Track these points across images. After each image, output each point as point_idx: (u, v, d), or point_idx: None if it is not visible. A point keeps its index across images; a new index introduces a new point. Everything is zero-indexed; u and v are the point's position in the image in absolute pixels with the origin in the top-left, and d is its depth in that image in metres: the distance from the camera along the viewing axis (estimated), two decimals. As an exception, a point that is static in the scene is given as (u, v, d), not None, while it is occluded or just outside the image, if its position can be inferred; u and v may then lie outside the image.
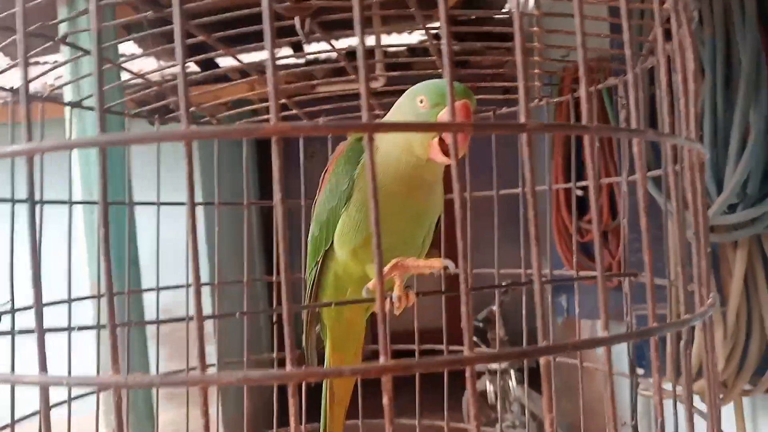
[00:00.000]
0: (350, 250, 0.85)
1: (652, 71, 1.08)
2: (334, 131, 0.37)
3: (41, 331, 0.39)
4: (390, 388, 0.35)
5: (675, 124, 0.66)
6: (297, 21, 0.80)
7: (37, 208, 1.00)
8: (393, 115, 0.83)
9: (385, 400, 0.35)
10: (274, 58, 0.37)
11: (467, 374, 0.37)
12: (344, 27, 1.04)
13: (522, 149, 0.40)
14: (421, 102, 0.77)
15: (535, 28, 0.89)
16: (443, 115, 0.75)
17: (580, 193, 2.62)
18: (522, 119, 0.39)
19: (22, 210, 0.98)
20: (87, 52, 0.88)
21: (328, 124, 0.37)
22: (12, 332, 0.75)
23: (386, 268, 0.84)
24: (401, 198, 0.80)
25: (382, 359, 0.35)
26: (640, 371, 1.59)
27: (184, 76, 0.37)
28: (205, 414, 0.36)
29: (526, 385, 1.32)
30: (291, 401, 0.35)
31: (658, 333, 0.44)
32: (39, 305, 0.39)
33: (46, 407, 0.39)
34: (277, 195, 0.36)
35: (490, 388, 3.29)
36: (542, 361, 0.39)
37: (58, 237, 1.07)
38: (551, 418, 0.38)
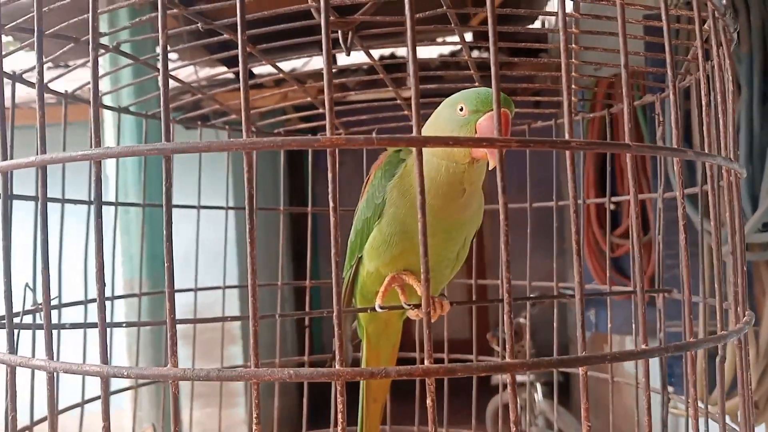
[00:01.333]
0: (378, 264, 0.87)
1: (687, 90, 1.08)
2: (386, 144, 0.39)
3: (103, 325, 0.42)
4: (433, 390, 0.36)
5: (711, 143, 0.66)
6: (340, 34, 0.82)
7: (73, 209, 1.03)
8: (432, 125, 0.83)
9: (429, 402, 0.36)
10: (330, 74, 0.39)
11: (509, 380, 0.38)
12: (382, 37, 1.06)
13: (568, 166, 0.41)
14: (461, 110, 0.77)
15: (573, 46, 0.90)
16: (482, 122, 0.75)
17: (612, 207, 2.61)
18: (566, 137, 0.41)
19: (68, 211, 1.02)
20: (135, 59, 0.92)
21: (380, 137, 0.38)
22: (60, 326, 0.79)
23: (386, 281, 0.85)
24: (437, 211, 0.79)
25: (426, 362, 0.37)
26: (669, 388, 1.57)
27: (245, 91, 0.39)
28: (258, 407, 0.38)
29: (555, 399, 1.32)
30: (339, 399, 0.37)
31: (694, 348, 0.45)
32: (102, 299, 0.41)
33: (106, 396, 0.41)
34: (331, 204, 0.38)
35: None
36: (581, 371, 0.40)
37: (83, 237, 1.09)
38: (588, 426, 0.39)
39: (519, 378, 3.26)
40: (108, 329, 0.98)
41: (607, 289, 1.08)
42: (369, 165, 0.95)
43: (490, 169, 0.77)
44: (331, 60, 0.39)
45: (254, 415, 0.38)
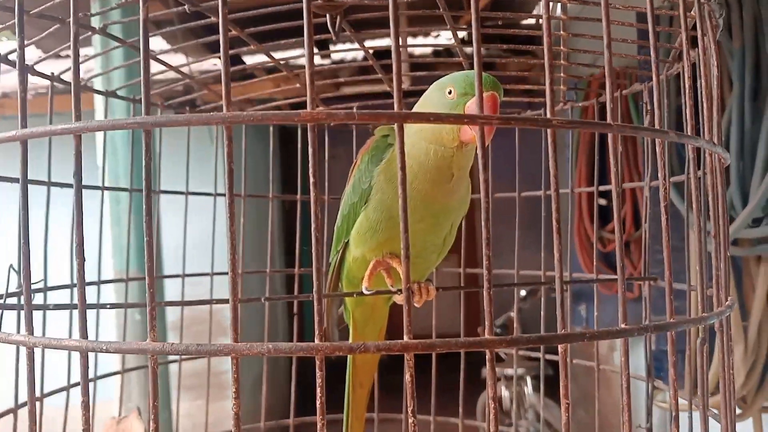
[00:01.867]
0: (365, 250, 0.87)
1: (679, 79, 1.09)
2: (367, 119, 0.38)
3: (83, 302, 0.42)
4: (413, 365, 0.36)
5: (700, 130, 0.67)
6: (328, 18, 0.82)
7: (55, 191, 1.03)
8: (421, 106, 0.83)
9: (407, 377, 0.36)
10: (312, 50, 0.39)
11: (487, 357, 0.38)
12: (372, 26, 1.06)
13: (549, 144, 0.41)
14: (450, 93, 0.77)
15: (561, 32, 0.90)
16: (471, 105, 0.75)
17: (603, 202, 2.62)
18: (548, 114, 0.41)
19: (54, 194, 1.02)
20: (122, 42, 0.91)
21: (360, 111, 0.38)
22: (44, 306, 0.79)
23: (371, 265, 0.85)
24: (424, 195, 0.79)
25: (405, 338, 0.37)
26: (658, 381, 1.58)
27: (227, 66, 0.39)
28: (236, 381, 0.38)
29: (542, 391, 1.32)
30: (318, 374, 0.37)
31: (675, 328, 0.45)
32: (81, 275, 0.41)
33: (85, 371, 0.41)
34: (311, 179, 0.38)
35: (505, 394, 3.29)
36: (560, 348, 0.40)
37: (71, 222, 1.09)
38: (567, 403, 0.39)
39: (509, 371, 3.28)
40: (94, 312, 0.98)
41: (595, 276, 1.09)
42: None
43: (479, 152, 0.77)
44: (312, 34, 0.39)
45: (233, 390, 0.38)
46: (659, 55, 1.27)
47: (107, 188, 1.09)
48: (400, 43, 0.49)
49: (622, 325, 0.43)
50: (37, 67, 0.90)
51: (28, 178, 0.45)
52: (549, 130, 0.41)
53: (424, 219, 0.82)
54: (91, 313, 1.05)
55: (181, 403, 1.45)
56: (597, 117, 1.29)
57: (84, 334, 0.41)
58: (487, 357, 0.38)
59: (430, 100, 0.81)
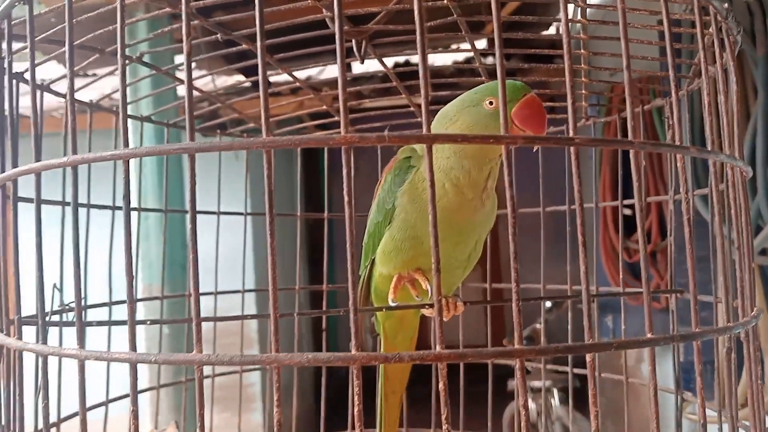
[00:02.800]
0: (390, 269, 0.88)
1: (701, 92, 1.09)
2: (397, 142, 0.41)
3: (132, 316, 0.44)
4: (445, 374, 0.38)
5: (722, 144, 0.68)
6: (354, 43, 0.84)
7: (104, 212, 1.07)
8: (452, 120, 0.82)
9: (441, 386, 0.38)
10: (345, 76, 0.42)
11: (517, 366, 0.40)
12: (396, 44, 1.09)
13: (572, 162, 0.43)
14: (491, 104, 0.78)
15: (582, 51, 0.92)
16: (520, 110, 0.76)
17: (628, 212, 2.61)
18: (570, 133, 0.42)
19: (93, 215, 1.05)
20: (157, 69, 0.95)
21: (391, 135, 0.41)
22: (87, 323, 0.82)
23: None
24: (451, 212, 0.80)
25: (437, 348, 0.39)
26: (687, 394, 1.57)
27: (265, 92, 0.42)
28: (278, 390, 0.40)
29: (571, 403, 1.32)
30: (355, 383, 0.39)
31: (701, 338, 0.46)
32: (131, 291, 0.44)
33: (134, 382, 0.43)
34: (345, 198, 0.40)
35: (532, 406, 3.26)
36: (588, 357, 0.42)
37: (100, 239, 1.12)
38: (596, 411, 0.40)
39: (536, 383, 3.25)
40: (125, 327, 1.02)
41: (622, 289, 1.09)
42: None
43: (506, 170, 0.79)
44: (345, 61, 0.42)
45: (275, 398, 0.40)
46: (680, 70, 1.28)
47: (143, 209, 1.13)
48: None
49: (649, 335, 0.44)
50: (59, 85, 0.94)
51: (71, 201, 0.48)
52: (572, 148, 0.43)
53: (449, 237, 0.82)
54: (122, 335, 1.09)
55: (213, 414, 1.48)
56: (620, 130, 1.30)
57: (133, 347, 0.43)
58: (516, 366, 0.40)
59: (464, 118, 0.81)
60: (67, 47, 0.47)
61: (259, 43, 0.43)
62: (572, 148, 0.43)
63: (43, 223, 0.95)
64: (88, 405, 1.04)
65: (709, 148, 0.52)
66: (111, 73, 0.88)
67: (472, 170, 0.80)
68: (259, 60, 0.42)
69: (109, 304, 1.02)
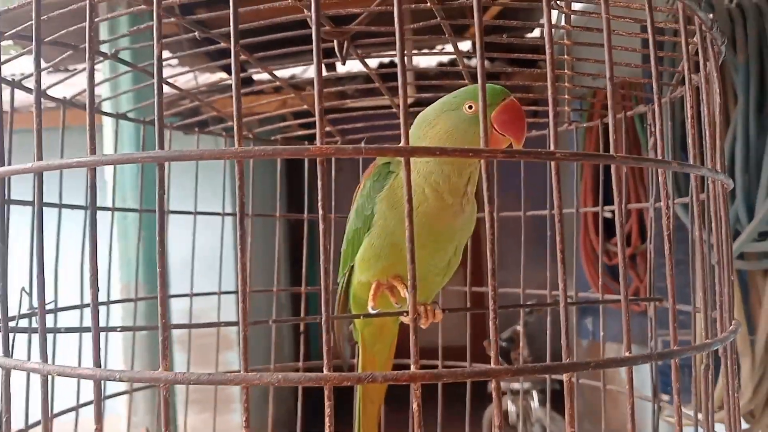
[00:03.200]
0: (369, 276, 0.87)
1: (682, 100, 1.10)
2: (375, 154, 0.39)
3: (96, 329, 0.42)
4: (419, 395, 0.37)
5: (704, 155, 0.67)
6: (336, 44, 0.83)
7: (62, 214, 1.04)
8: (430, 130, 0.80)
9: (414, 407, 0.37)
10: (321, 87, 0.40)
11: (493, 386, 0.39)
12: (377, 46, 1.07)
13: (553, 176, 0.42)
14: (470, 107, 0.76)
15: (565, 57, 0.91)
16: (500, 115, 0.75)
17: (608, 215, 2.62)
18: (551, 147, 0.42)
19: (66, 216, 1.03)
20: (133, 67, 0.93)
21: (368, 147, 0.39)
22: (55, 329, 0.79)
23: (373, 287, 0.85)
24: (429, 219, 0.79)
25: (412, 368, 0.37)
26: (665, 397, 1.58)
27: (238, 100, 0.40)
28: (247, 410, 0.39)
29: (548, 406, 1.32)
30: (327, 403, 0.37)
31: (679, 356, 0.45)
32: (95, 303, 0.42)
33: (98, 399, 0.42)
34: (320, 212, 0.38)
35: (512, 408, 3.27)
36: (565, 377, 0.41)
37: (77, 240, 1.10)
38: (572, 430, 0.40)
39: (515, 386, 3.27)
40: (103, 333, 1.00)
41: (600, 296, 1.09)
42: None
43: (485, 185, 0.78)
44: (322, 71, 0.40)
45: (243, 419, 0.39)
46: (662, 78, 1.28)
47: (117, 209, 1.10)
48: (407, 62, 0.50)
49: (626, 353, 0.43)
50: (48, 87, 0.92)
51: (36, 207, 0.46)
52: (553, 163, 0.42)
53: (427, 245, 0.81)
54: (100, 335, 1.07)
55: (188, 416, 1.46)
56: (601, 137, 1.30)
57: (97, 362, 0.42)
58: (492, 386, 0.39)
59: (443, 123, 0.79)
60: (34, 43, 0.45)
61: (233, 45, 0.42)
62: (553, 163, 0.42)
63: (16, 222, 0.93)
64: (61, 407, 1.02)
65: (691, 162, 0.52)
66: (84, 70, 0.86)
67: (451, 175, 0.78)
68: (232, 62, 0.41)
69: (80, 306, 1.00)
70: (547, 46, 0.43)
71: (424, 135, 0.79)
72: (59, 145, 0.98)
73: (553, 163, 0.42)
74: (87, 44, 0.42)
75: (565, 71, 0.94)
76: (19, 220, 0.88)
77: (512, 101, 0.76)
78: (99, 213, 1.12)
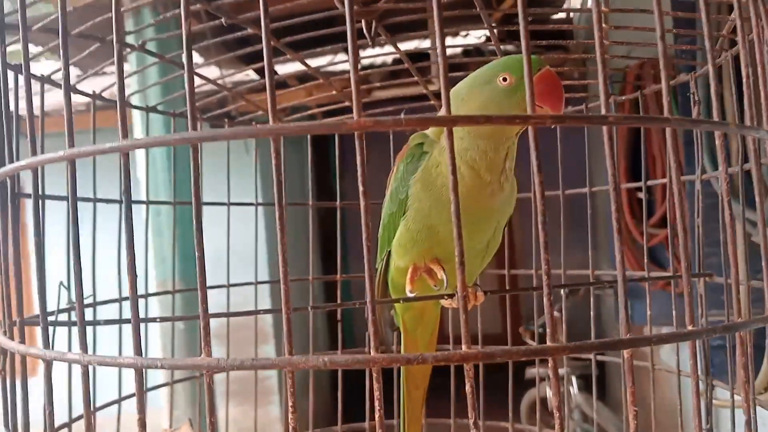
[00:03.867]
0: (407, 260, 0.85)
1: (719, 69, 1.05)
2: (415, 125, 0.38)
3: (136, 318, 0.41)
4: (472, 376, 0.35)
5: (753, 117, 0.64)
6: (363, 23, 0.81)
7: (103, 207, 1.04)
8: (468, 101, 0.77)
9: (468, 388, 0.35)
10: (357, 58, 0.38)
11: (550, 364, 0.37)
12: (405, 29, 1.05)
13: (605, 142, 0.40)
14: (504, 80, 0.73)
15: (603, 25, 0.87)
16: (538, 83, 0.71)
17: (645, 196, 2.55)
18: (602, 111, 0.39)
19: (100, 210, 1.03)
20: (161, 58, 0.92)
21: (408, 118, 0.37)
22: (95, 322, 0.80)
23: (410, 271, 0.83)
24: (467, 199, 0.73)
25: (464, 347, 0.36)
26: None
27: (271, 76, 0.39)
28: (293, 395, 0.37)
29: (595, 392, 1.29)
30: (375, 386, 0.36)
31: (743, 328, 0.43)
32: (134, 292, 0.41)
33: (140, 388, 0.41)
34: (360, 188, 0.37)
35: (550, 394, 3.24)
36: (625, 353, 0.39)
37: (115, 237, 1.11)
38: (635, 411, 0.37)
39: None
40: (142, 324, 1.00)
41: (647, 273, 1.06)
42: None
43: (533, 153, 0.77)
44: (356, 41, 0.39)
45: (290, 404, 0.37)
46: (697, 50, 1.23)
47: (152, 202, 1.10)
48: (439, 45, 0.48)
49: (690, 327, 0.41)
50: (78, 86, 0.92)
51: (70, 197, 0.45)
52: (605, 127, 0.40)
53: (466, 225, 0.78)
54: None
55: (229, 409, 1.46)
56: (632, 111, 1.25)
57: (138, 351, 0.41)
58: (549, 365, 0.37)
59: (477, 96, 0.76)
60: (60, 31, 0.44)
61: (263, 21, 0.40)
62: (605, 127, 0.40)
63: (53, 218, 0.94)
64: (103, 402, 1.02)
65: (747, 124, 0.49)
66: (111, 63, 0.85)
67: (488, 151, 0.75)
68: (263, 39, 0.39)
69: (119, 300, 1.00)
70: (593, 6, 0.40)
71: (456, 112, 0.76)
72: (92, 142, 0.98)
73: (605, 128, 0.40)
74: (114, 23, 0.41)
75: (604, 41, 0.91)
76: (56, 216, 0.89)
77: (549, 71, 0.73)
78: (133, 210, 1.13)
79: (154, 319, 0.76)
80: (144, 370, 0.41)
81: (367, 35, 0.79)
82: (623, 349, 0.39)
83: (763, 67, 0.55)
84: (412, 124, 0.37)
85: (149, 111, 1.09)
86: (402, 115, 0.37)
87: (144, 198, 1.18)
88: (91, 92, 0.96)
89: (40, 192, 0.56)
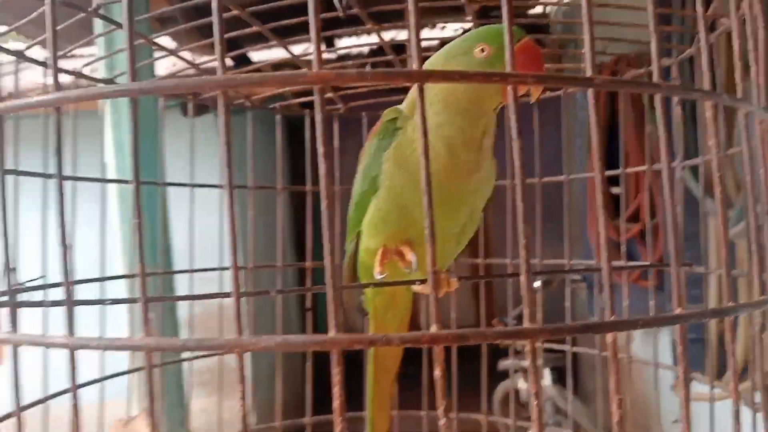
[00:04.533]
0: (377, 241, 0.80)
1: (691, 61, 1.04)
2: (381, 79, 0.34)
3: (70, 296, 0.37)
4: (442, 360, 0.32)
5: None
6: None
7: (68, 184, 0.99)
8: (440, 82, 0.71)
9: (437, 372, 0.32)
10: (318, 11, 0.34)
11: (528, 348, 0.33)
12: (382, 17, 1.01)
13: (590, 106, 0.36)
14: (482, 51, 0.69)
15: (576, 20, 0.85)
16: (518, 54, 0.66)
17: (616, 190, 2.55)
18: (589, 73, 0.36)
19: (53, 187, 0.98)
20: (119, 25, 0.87)
21: (374, 71, 0.34)
22: (43, 303, 0.74)
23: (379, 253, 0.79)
24: (443, 176, 0.71)
25: (433, 327, 0.32)
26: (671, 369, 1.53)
27: (220, 24, 0.35)
28: (242, 381, 0.33)
29: (570, 384, 1.27)
30: (335, 370, 0.32)
31: (734, 313, 0.40)
32: (66, 268, 0.37)
33: (73, 370, 0.36)
34: (320, 148, 0.33)
35: (523, 386, 3.23)
36: (609, 337, 0.36)
37: (90, 227, 1.07)
38: (619, 399, 0.34)
39: (526, 363, 3.22)
40: (98, 309, 0.95)
41: (624, 262, 1.04)
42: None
43: (532, 101, 0.76)
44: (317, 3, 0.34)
45: (239, 390, 0.33)
46: (674, 40, 1.21)
47: (109, 180, 1.05)
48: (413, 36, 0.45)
49: (678, 310, 0.38)
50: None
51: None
52: (590, 91, 0.36)
53: (440, 206, 0.74)
54: (95, 316, 1.02)
55: (196, 399, 1.42)
56: (607, 103, 1.23)
57: (71, 330, 0.36)
58: (527, 348, 0.33)
59: (454, 66, 0.72)
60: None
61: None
62: (590, 91, 0.36)
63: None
64: (55, 390, 0.97)
65: (738, 96, 0.46)
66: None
67: (465, 126, 0.71)
68: (213, 5, 0.35)
69: (67, 284, 0.95)
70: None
71: (431, 87, 0.72)
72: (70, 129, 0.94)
73: (590, 92, 0.36)
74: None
75: (581, 35, 0.88)
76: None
77: (529, 41, 0.69)
78: (98, 193, 1.07)
79: (102, 301, 0.71)
80: (78, 351, 0.36)
81: (337, 5, 0.75)
82: (607, 332, 0.35)
83: (756, 39, 0.52)
84: (378, 77, 0.33)
85: (106, 82, 1.03)
86: (368, 68, 0.33)
87: (114, 184, 1.13)
88: (43, 59, 0.90)
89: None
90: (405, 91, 1.10)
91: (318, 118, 0.33)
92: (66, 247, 0.37)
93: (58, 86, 0.37)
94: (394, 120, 0.78)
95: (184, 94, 1.25)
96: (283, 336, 0.32)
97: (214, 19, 0.34)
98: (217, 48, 0.33)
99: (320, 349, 0.32)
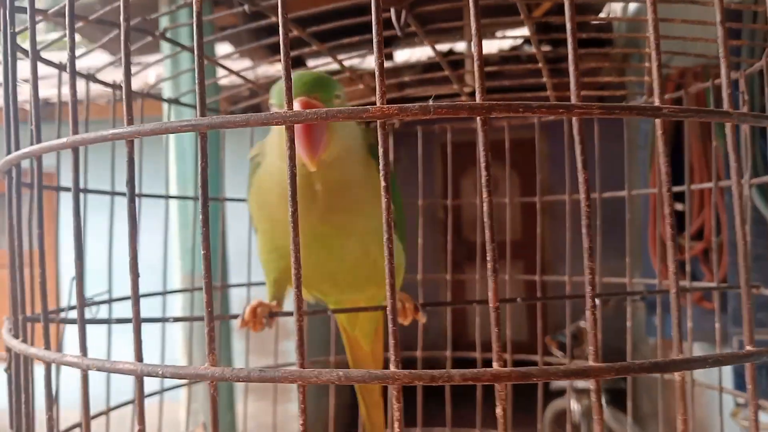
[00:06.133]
0: (271, 283, 0.78)
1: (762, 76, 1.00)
2: (445, 114, 0.34)
3: (137, 320, 0.38)
4: (504, 398, 0.31)
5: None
6: (393, 13, 0.77)
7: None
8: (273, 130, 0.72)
9: (499, 410, 0.31)
10: (381, 38, 0.35)
11: (593, 387, 0.33)
12: (438, 21, 1.02)
13: (659, 136, 0.35)
14: (271, 107, 0.67)
15: (645, 34, 0.83)
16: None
17: (680, 207, 2.46)
18: (657, 102, 0.35)
19: (120, 203, 1.01)
20: (187, 48, 0.90)
21: (437, 105, 0.34)
22: (109, 320, 0.77)
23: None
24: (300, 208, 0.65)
25: (495, 365, 0.32)
26: (740, 399, 1.47)
27: (287, 61, 0.35)
28: (303, 413, 0.34)
29: (630, 412, 1.23)
30: (396, 405, 0.32)
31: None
32: (136, 294, 0.38)
33: (140, 396, 0.37)
34: (382, 183, 0.33)
35: (575, 407, 3.15)
36: (677, 376, 0.34)
37: (151, 232, 1.10)
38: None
39: (580, 384, 3.13)
40: (160, 325, 0.97)
41: (688, 283, 1.00)
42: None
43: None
44: (381, 23, 0.35)
45: (300, 421, 0.34)
46: (743, 53, 1.17)
47: (171, 197, 1.08)
48: (469, 49, 0.44)
49: (748, 347, 0.36)
50: (106, 73, 0.90)
51: (72, 186, 0.42)
52: (658, 120, 0.35)
53: (311, 245, 0.65)
54: (155, 326, 1.05)
55: (246, 405, 1.44)
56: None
57: (139, 356, 0.37)
58: (592, 388, 0.33)
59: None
60: (67, 7, 0.41)
61: (279, 8, 0.37)
62: (658, 121, 0.35)
63: (91, 211, 0.94)
64: (118, 401, 1.00)
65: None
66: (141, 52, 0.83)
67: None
68: (279, 20, 0.36)
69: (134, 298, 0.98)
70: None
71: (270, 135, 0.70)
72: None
73: (658, 122, 0.35)
74: (121, 6, 0.38)
75: (645, 49, 0.86)
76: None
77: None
78: (157, 204, 1.10)
79: (167, 319, 0.73)
80: (142, 378, 0.37)
81: (395, 25, 0.75)
82: (675, 372, 0.34)
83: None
84: (441, 112, 0.33)
85: (171, 102, 1.07)
86: (431, 102, 0.33)
87: (174, 191, 1.16)
88: (111, 81, 0.93)
89: (49, 182, 0.53)
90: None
91: (380, 151, 0.33)
92: (137, 272, 0.38)
93: (131, 119, 0.38)
94: (254, 157, 0.75)
95: (248, 107, 1.27)
96: (345, 370, 0.32)
97: (282, 49, 0.35)
98: (285, 84, 0.34)
99: (382, 383, 0.32)
